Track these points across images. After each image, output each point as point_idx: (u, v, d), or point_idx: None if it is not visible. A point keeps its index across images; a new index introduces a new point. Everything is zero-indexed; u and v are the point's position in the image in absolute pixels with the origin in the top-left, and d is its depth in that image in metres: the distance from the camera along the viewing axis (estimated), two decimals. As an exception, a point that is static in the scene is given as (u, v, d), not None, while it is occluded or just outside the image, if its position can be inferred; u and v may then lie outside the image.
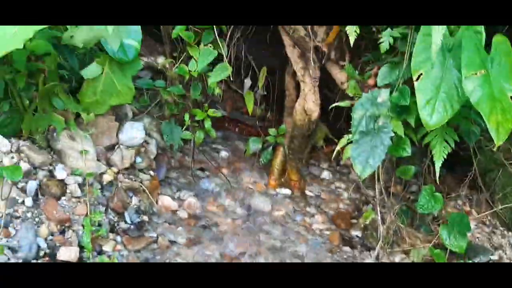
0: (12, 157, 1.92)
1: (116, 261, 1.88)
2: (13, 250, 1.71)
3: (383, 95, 2.16)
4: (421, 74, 2.00)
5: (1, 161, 1.89)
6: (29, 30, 1.56)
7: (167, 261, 2.07)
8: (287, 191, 2.89)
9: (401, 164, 2.52)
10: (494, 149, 1.89)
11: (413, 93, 2.06)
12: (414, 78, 2.01)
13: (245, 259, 2.22)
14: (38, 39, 1.83)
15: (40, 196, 1.92)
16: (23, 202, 1.86)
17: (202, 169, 2.91)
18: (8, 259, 1.65)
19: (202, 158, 2.97)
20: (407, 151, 2.19)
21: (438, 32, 1.80)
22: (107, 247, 1.98)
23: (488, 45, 1.96)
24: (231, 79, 2.70)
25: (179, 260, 2.08)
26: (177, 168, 2.83)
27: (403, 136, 2.16)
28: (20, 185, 1.90)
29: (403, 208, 2.47)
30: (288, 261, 2.26)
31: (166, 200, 2.45)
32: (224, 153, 3.16)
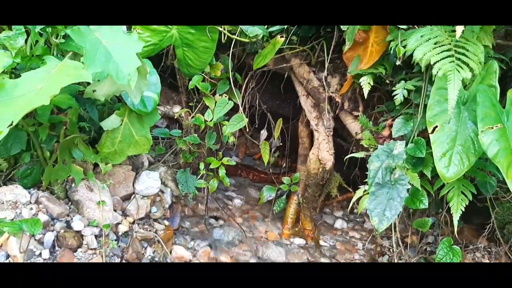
0: (31, 208, 1.93)
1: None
2: (29, 304, 1.70)
3: (399, 147, 2.17)
4: (436, 126, 2.02)
5: (20, 213, 1.90)
6: (55, 87, 1.61)
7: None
8: (300, 241, 2.86)
9: (417, 213, 2.50)
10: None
11: (428, 145, 2.08)
12: (429, 130, 2.03)
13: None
14: (62, 94, 1.88)
15: (57, 248, 1.92)
16: (40, 254, 1.86)
17: (215, 218, 2.91)
18: (24, 314, 1.63)
19: (215, 205, 2.97)
20: (424, 203, 2.17)
21: (454, 89, 1.83)
22: (121, 301, 1.96)
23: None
24: (247, 129, 2.74)
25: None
26: (191, 217, 2.83)
27: (419, 188, 2.16)
28: (38, 236, 1.90)
29: (421, 260, 2.42)
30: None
31: (180, 251, 2.43)
32: (237, 201, 3.16)
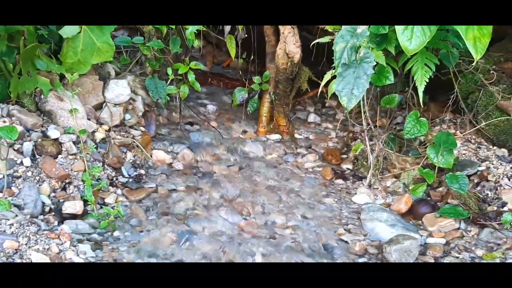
0: (4, 122, 1.93)
1: (121, 211, 1.92)
2: (19, 207, 1.75)
3: (362, 26, 2.19)
4: (397, 0, 2.04)
5: (-7, 126, 1.90)
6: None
7: (169, 208, 2.12)
8: (277, 137, 2.95)
9: (385, 95, 2.58)
10: (473, 64, 1.95)
11: (390, 22, 2.11)
12: (390, 5, 2.05)
13: (242, 199, 2.29)
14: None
15: (37, 156, 1.95)
16: (21, 163, 1.89)
17: (190, 123, 2.95)
18: (16, 215, 1.69)
19: (189, 113, 3.00)
20: (390, 79, 2.25)
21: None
22: (109, 200, 2.04)
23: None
24: (210, 30, 2.70)
25: (181, 204, 2.15)
26: (166, 124, 2.86)
27: (384, 65, 2.22)
28: (16, 147, 1.92)
29: (391, 136, 2.55)
30: (284, 197, 2.34)
31: (160, 154, 2.49)
32: (211, 107, 3.19)
